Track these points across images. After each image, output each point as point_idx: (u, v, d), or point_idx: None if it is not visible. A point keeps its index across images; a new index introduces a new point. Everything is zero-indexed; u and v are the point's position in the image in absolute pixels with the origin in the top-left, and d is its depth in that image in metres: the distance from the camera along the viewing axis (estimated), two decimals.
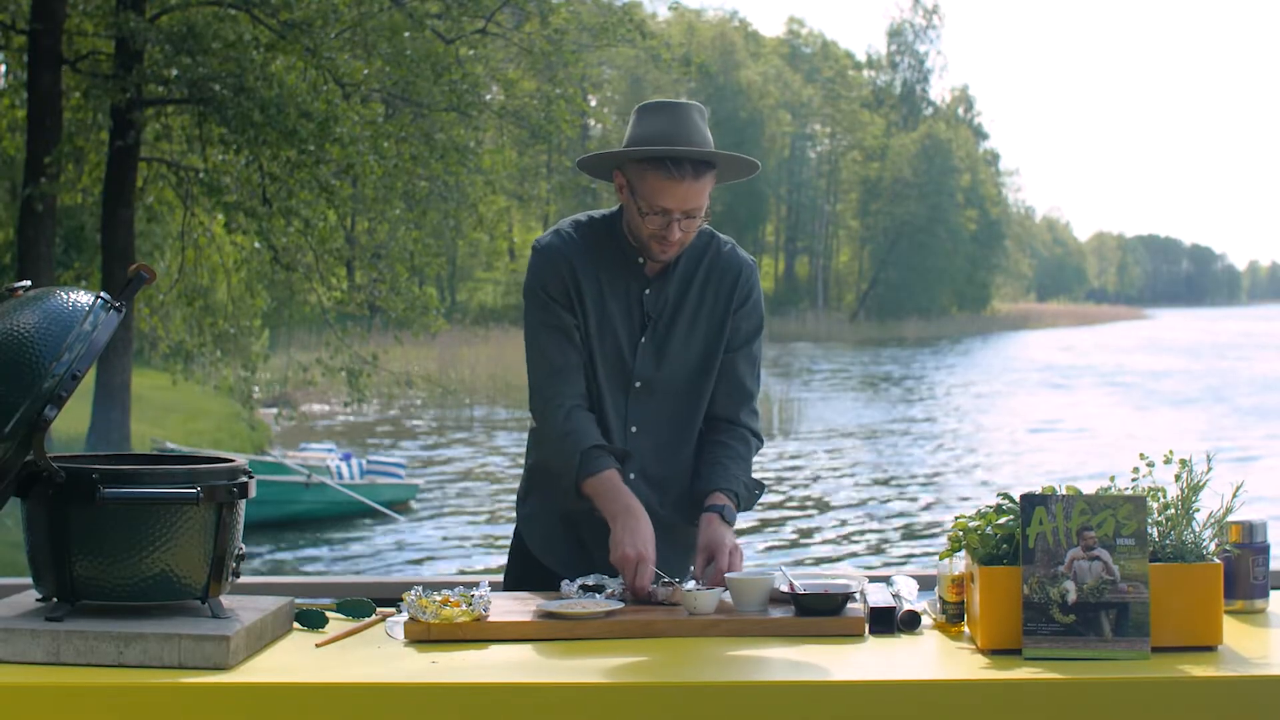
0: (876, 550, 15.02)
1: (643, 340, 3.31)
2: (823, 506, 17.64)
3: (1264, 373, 40.24)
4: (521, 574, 3.40)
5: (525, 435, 3.58)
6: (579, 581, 3.08)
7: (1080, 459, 21.50)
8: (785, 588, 2.95)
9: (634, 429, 3.32)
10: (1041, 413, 29.44)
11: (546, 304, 3.29)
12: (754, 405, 3.42)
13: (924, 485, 19.64)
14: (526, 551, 3.44)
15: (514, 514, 3.54)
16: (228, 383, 19.25)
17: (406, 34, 16.36)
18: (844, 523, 16.56)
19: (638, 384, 3.31)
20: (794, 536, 15.70)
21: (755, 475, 3.40)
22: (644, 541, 3.07)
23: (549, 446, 3.32)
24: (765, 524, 16.17)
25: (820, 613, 2.86)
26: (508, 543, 3.54)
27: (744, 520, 16.26)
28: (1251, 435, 24.92)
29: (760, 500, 3.47)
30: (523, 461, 3.52)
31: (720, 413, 3.38)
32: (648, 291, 3.31)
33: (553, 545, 3.39)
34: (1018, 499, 2.73)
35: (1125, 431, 25.25)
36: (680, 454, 3.35)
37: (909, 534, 16.05)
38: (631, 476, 3.29)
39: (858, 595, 2.98)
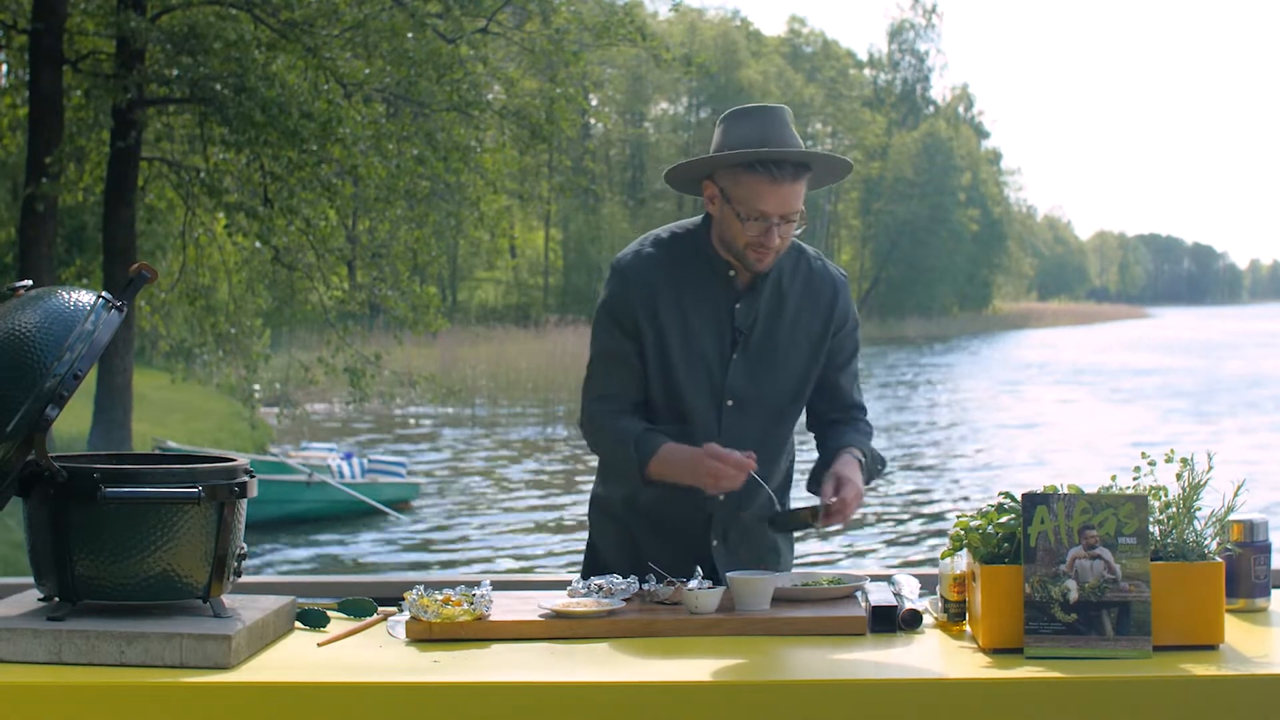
0: (878, 549, 15.02)
1: (735, 356, 3.26)
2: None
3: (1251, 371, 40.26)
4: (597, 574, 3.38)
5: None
6: (591, 581, 3.08)
7: (1087, 457, 21.50)
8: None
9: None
10: (1043, 413, 29.44)
11: (610, 328, 3.26)
12: (865, 412, 3.47)
13: (925, 484, 19.64)
14: (598, 553, 3.43)
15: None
16: (229, 382, 19.25)
17: (409, 35, 16.35)
18: (846, 521, 16.53)
19: (729, 401, 3.26)
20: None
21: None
22: (720, 453, 3.06)
23: (603, 451, 3.33)
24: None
25: (789, 527, 2.99)
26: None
27: None
28: (1216, 428, 25.01)
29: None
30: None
31: (836, 416, 3.42)
32: (738, 305, 3.25)
33: (622, 549, 3.37)
34: (1019, 498, 2.72)
35: (1133, 428, 25.26)
36: (766, 474, 3.26)
37: (910, 532, 16.05)
38: (721, 498, 3.26)
39: (820, 509, 3.07)
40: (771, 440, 3.32)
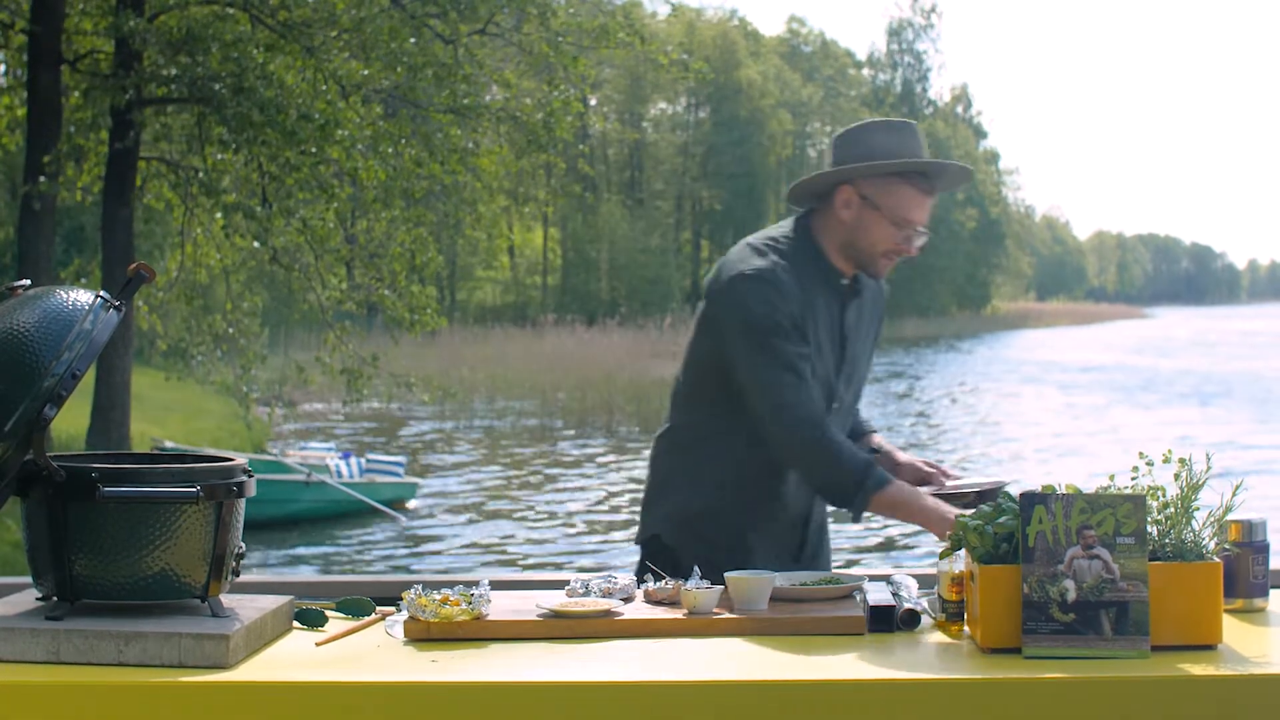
0: (876, 548, 15.02)
1: (843, 362, 3.32)
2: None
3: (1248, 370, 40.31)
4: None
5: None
6: (589, 580, 3.08)
7: (1092, 459, 21.51)
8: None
9: None
10: (1040, 412, 29.45)
11: (790, 335, 3.17)
12: None
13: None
14: (671, 552, 3.37)
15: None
16: (225, 382, 19.24)
17: (411, 40, 16.33)
18: (844, 520, 16.54)
19: (834, 405, 3.32)
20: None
21: None
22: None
23: (819, 472, 3.25)
24: None
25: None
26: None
27: None
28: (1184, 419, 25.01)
29: None
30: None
31: None
32: (846, 313, 3.32)
33: (733, 555, 3.29)
34: (1017, 497, 2.72)
35: (1153, 430, 25.27)
36: None
37: (908, 532, 16.03)
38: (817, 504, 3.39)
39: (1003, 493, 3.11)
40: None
